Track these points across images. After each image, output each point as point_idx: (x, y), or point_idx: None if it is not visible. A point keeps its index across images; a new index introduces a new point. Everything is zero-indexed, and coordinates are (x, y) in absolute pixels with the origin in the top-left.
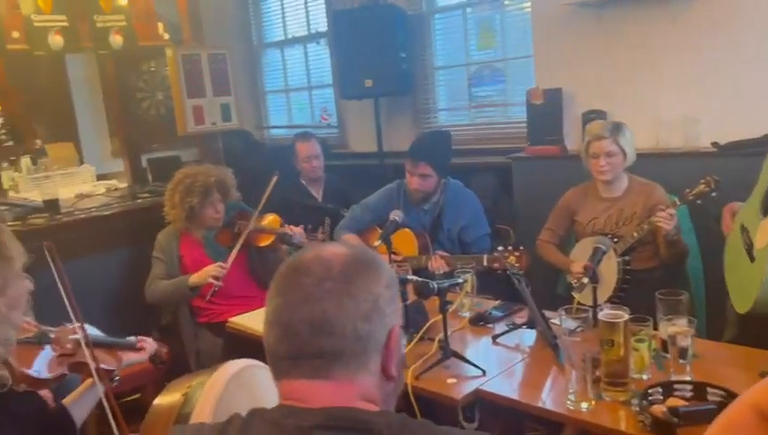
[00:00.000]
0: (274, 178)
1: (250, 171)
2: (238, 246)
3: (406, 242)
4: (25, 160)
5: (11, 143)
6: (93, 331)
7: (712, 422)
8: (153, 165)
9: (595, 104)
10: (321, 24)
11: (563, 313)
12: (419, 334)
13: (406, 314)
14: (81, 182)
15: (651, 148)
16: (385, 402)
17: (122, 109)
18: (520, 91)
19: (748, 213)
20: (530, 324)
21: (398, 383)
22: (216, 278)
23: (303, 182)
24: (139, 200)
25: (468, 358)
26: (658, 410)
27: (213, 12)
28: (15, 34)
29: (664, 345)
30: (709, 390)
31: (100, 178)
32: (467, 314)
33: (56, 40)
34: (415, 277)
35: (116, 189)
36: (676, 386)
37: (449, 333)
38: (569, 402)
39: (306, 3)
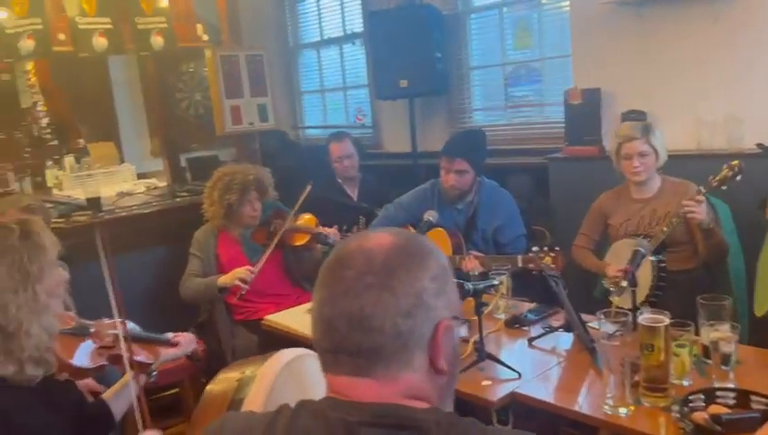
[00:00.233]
0: (308, 188)
1: (285, 171)
2: (272, 245)
3: (439, 242)
4: (69, 159)
5: (55, 142)
6: (132, 326)
7: (756, 431)
8: (192, 164)
9: (634, 104)
10: (356, 24)
11: (602, 316)
12: None
13: None
14: (122, 181)
15: (693, 149)
16: (439, 397)
17: (162, 109)
18: (557, 91)
19: None
20: (566, 328)
21: (452, 377)
22: (244, 281)
23: (339, 181)
24: (177, 199)
25: (503, 360)
26: (700, 417)
27: (250, 13)
28: (61, 37)
29: (705, 351)
30: (753, 398)
31: (141, 176)
32: (502, 317)
33: (100, 42)
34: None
35: (155, 188)
36: (718, 393)
37: (484, 335)
38: (606, 407)
39: (342, 3)
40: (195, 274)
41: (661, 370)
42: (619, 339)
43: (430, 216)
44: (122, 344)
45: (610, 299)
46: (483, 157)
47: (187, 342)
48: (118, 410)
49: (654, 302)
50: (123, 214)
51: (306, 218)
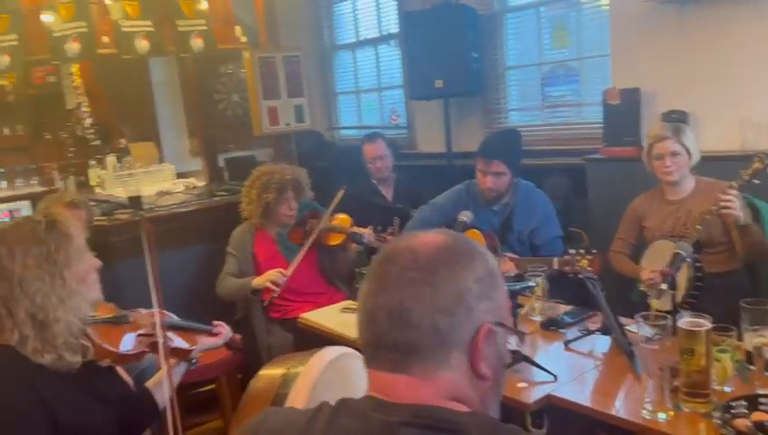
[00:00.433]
0: (341, 193)
1: (321, 171)
2: (307, 244)
3: None
4: (111, 159)
5: (98, 142)
6: (171, 316)
7: None
8: (230, 164)
9: (675, 104)
10: (392, 25)
11: (640, 319)
12: None
13: None
14: (162, 180)
15: (736, 150)
16: (482, 402)
17: (200, 110)
18: (595, 91)
19: None
20: (604, 330)
21: (497, 384)
22: (275, 284)
23: (374, 182)
24: (215, 198)
25: (539, 363)
26: (742, 423)
27: (287, 15)
28: (105, 39)
29: (748, 357)
30: None
31: (180, 176)
32: (538, 319)
33: (142, 44)
34: None
35: (194, 187)
36: (761, 400)
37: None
38: (645, 412)
39: (378, 4)
40: (231, 273)
41: (702, 375)
42: (657, 343)
43: (464, 216)
44: (158, 331)
45: (648, 302)
46: (519, 158)
47: (227, 331)
48: (161, 398)
49: (691, 304)
50: (163, 213)
51: (341, 218)
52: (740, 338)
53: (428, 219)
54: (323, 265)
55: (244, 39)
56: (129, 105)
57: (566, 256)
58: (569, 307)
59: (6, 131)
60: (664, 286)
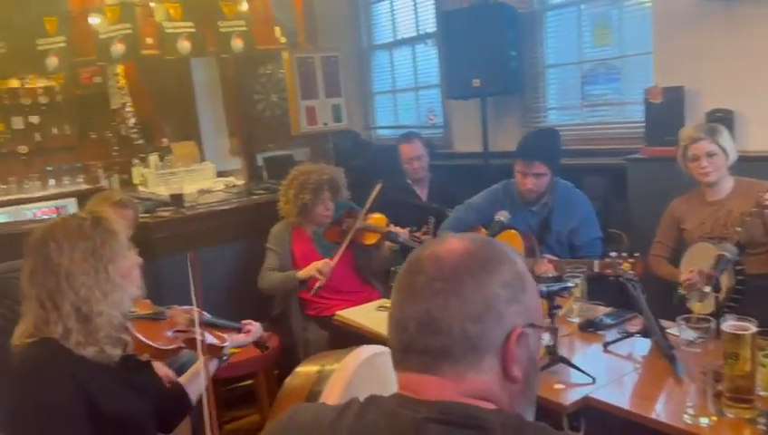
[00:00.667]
0: (378, 187)
1: (357, 171)
2: (345, 242)
3: (512, 244)
4: (153, 158)
5: (141, 141)
6: (204, 314)
7: None
8: (268, 163)
9: (720, 103)
10: (429, 24)
11: (682, 322)
12: None
13: None
14: (203, 179)
15: None
16: (511, 403)
17: (240, 110)
18: (636, 90)
19: None
20: (644, 333)
21: (528, 386)
22: (321, 273)
23: (409, 182)
24: (254, 197)
25: (577, 365)
26: None
27: (325, 15)
28: (149, 41)
29: None
30: None
31: (220, 175)
32: (576, 320)
33: (184, 45)
34: None
35: (234, 186)
36: None
37: (557, 339)
38: (686, 416)
39: (415, 4)
40: (272, 267)
41: (746, 380)
42: (700, 346)
43: (502, 216)
44: (196, 328)
45: (688, 306)
46: (559, 157)
47: (256, 329)
48: (193, 392)
49: (732, 307)
50: (203, 210)
51: (377, 218)
52: None
53: (464, 219)
54: (359, 264)
55: (283, 39)
56: (172, 105)
57: (607, 260)
58: (608, 309)
59: (55, 131)
60: (707, 289)
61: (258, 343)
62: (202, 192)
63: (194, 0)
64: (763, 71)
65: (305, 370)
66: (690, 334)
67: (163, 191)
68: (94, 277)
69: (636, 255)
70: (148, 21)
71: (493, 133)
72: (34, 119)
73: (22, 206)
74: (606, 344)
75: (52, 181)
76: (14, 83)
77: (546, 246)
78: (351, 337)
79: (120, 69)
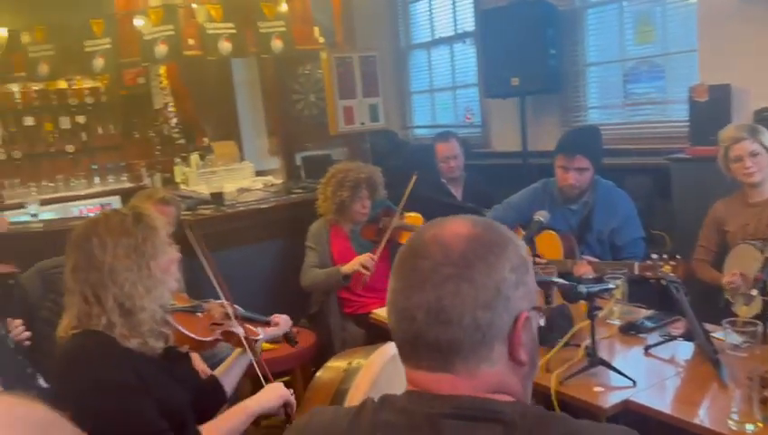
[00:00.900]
0: (414, 178)
1: (394, 170)
2: (384, 240)
3: (550, 245)
4: (195, 157)
5: (183, 141)
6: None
7: None
8: (306, 163)
9: None
10: (467, 23)
11: (728, 326)
12: (564, 340)
13: (549, 317)
14: (242, 178)
15: None
16: (523, 387)
17: (279, 109)
18: (680, 88)
19: None
20: (687, 337)
21: (533, 366)
22: (365, 267)
23: (444, 181)
24: (292, 195)
25: (616, 367)
26: None
27: (364, 15)
28: (191, 42)
29: None
30: None
31: (259, 174)
32: (617, 322)
33: (225, 46)
34: (561, 280)
35: (272, 185)
36: None
37: (597, 341)
38: (731, 422)
39: (454, 3)
40: (313, 265)
41: None
42: (746, 351)
43: (541, 216)
44: (234, 321)
45: (733, 310)
46: (601, 154)
47: (284, 322)
48: (228, 384)
49: None
50: (242, 208)
51: (413, 217)
52: None
53: (502, 218)
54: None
55: (321, 40)
56: (212, 105)
57: (648, 262)
58: (649, 312)
59: (100, 130)
60: (754, 292)
61: (288, 337)
62: (241, 191)
63: (234, 1)
64: None
65: (334, 365)
66: (736, 338)
67: (204, 190)
68: (137, 273)
69: (677, 257)
70: (190, 22)
71: (532, 132)
72: (81, 119)
73: (69, 203)
74: (647, 347)
75: (97, 180)
76: (62, 84)
77: (587, 245)
78: (388, 335)
79: (162, 70)
